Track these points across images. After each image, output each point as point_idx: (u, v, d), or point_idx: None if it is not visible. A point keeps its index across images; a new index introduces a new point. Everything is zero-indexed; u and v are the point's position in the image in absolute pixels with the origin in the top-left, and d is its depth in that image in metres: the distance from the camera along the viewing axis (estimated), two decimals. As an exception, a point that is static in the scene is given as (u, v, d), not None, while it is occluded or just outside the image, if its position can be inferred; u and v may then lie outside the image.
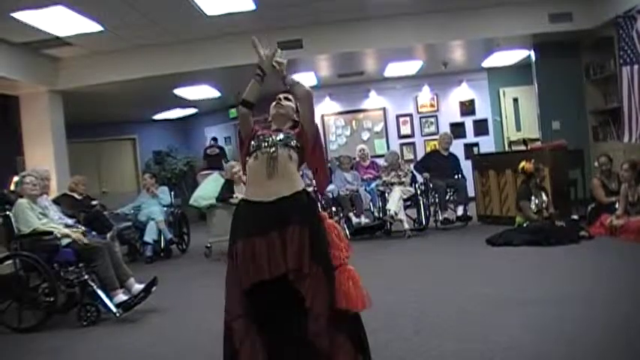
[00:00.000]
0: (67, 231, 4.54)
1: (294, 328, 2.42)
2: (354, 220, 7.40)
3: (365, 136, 10.80)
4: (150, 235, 7.25)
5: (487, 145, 10.57)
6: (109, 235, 5.79)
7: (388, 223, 7.38)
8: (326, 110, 10.83)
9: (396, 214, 7.09)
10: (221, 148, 11.41)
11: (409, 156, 10.54)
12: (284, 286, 2.40)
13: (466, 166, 8.23)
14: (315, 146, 2.72)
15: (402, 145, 10.69)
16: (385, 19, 7.38)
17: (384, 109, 10.86)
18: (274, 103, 2.82)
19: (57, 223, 4.67)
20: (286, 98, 2.85)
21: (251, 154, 2.62)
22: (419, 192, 7.48)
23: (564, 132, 7.91)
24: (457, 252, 6.05)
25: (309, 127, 2.67)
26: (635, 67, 6.49)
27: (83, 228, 4.91)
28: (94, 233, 5.16)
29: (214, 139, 11.86)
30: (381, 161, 8.32)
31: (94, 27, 6.34)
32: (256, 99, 2.73)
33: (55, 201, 5.66)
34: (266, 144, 2.59)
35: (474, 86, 10.77)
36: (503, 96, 10.74)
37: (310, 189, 7.84)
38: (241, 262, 2.42)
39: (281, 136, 2.64)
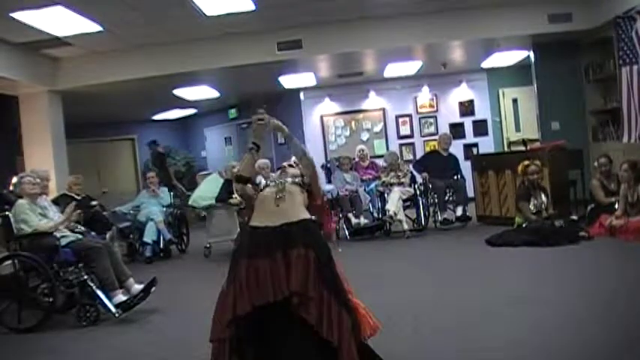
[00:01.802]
0: (65, 230, 4.55)
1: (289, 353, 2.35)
2: (354, 220, 7.40)
3: (364, 136, 10.80)
4: (149, 236, 7.24)
5: (486, 145, 10.56)
6: (108, 235, 5.79)
7: (387, 224, 7.38)
8: (325, 111, 10.83)
9: (395, 214, 7.09)
10: (162, 154, 11.15)
11: (408, 156, 10.53)
12: (285, 311, 2.33)
13: (465, 166, 8.23)
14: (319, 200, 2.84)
15: (401, 145, 10.68)
16: (385, 20, 7.38)
17: (383, 109, 10.85)
18: (279, 172, 2.93)
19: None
20: (290, 166, 2.94)
21: (261, 190, 2.70)
22: (418, 192, 7.48)
23: (564, 132, 7.91)
24: (456, 252, 6.06)
25: (316, 190, 2.80)
26: (635, 67, 6.49)
27: (83, 228, 4.91)
28: (93, 233, 5.16)
29: (154, 142, 11.53)
30: (380, 162, 8.32)
31: (93, 27, 6.33)
32: (251, 173, 2.78)
33: (55, 201, 5.66)
34: (273, 183, 2.70)
35: (473, 87, 10.77)
36: (502, 96, 10.74)
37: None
38: (244, 283, 2.35)
39: (289, 178, 2.75)
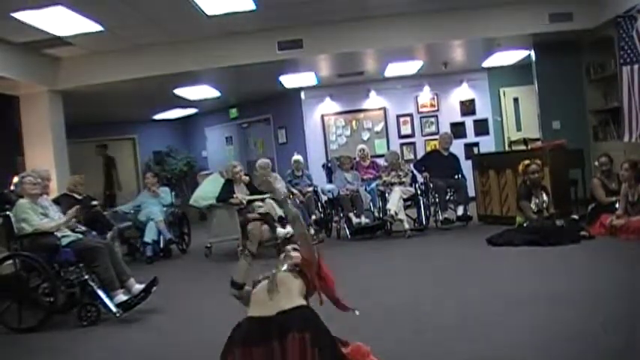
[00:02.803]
0: (61, 221, 4.56)
1: None
2: (354, 220, 7.40)
3: (365, 136, 10.79)
4: (149, 235, 7.24)
5: (487, 144, 10.56)
6: (109, 235, 5.79)
7: (388, 223, 7.38)
8: (326, 110, 10.82)
9: (396, 214, 7.09)
10: (111, 158, 11.05)
11: (409, 156, 10.53)
12: None
13: (466, 165, 8.22)
14: (319, 277, 2.75)
15: (402, 145, 10.67)
16: (385, 19, 7.37)
17: (384, 109, 10.85)
18: (283, 255, 2.87)
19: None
20: (294, 249, 2.87)
21: (254, 285, 2.69)
22: (419, 192, 7.47)
23: (564, 132, 7.90)
24: (457, 252, 6.05)
25: (308, 266, 2.70)
26: (636, 66, 6.48)
27: (84, 228, 4.91)
28: (94, 233, 5.16)
29: (104, 146, 11.44)
30: (381, 161, 8.32)
31: (93, 27, 6.33)
32: (245, 279, 2.76)
33: (55, 201, 5.66)
34: (268, 275, 2.66)
35: (474, 86, 10.77)
36: (503, 96, 10.73)
37: (310, 189, 7.94)
38: None
39: (285, 266, 2.73)
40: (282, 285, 2.52)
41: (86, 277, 4.39)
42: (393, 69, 9.54)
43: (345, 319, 2.84)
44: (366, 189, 7.73)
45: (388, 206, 7.17)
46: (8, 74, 6.64)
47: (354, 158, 8.25)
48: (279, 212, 6.75)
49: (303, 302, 2.51)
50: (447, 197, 7.68)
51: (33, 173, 4.83)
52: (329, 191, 7.84)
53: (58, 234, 4.49)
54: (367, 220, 7.47)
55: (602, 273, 4.51)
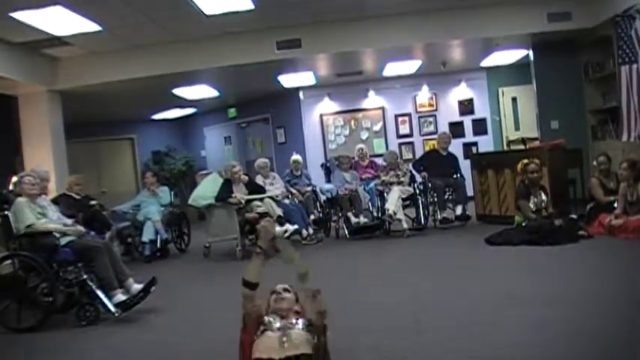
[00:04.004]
0: (65, 228, 4.55)
1: None
2: (353, 219, 7.41)
3: (364, 135, 10.80)
4: (147, 235, 7.24)
5: (486, 144, 10.56)
6: (107, 235, 5.79)
7: (387, 223, 7.37)
8: (325, 110, 10.83)
9: (394, 213, 7.09)
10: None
11: (408, 155, 10.54)
12: None
13: (465, 165, 8.23)
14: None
15: (400, 144, 10.68)
16: (384, 19, 7.38)
17: (382, 108, 10.85)
18: (274, 297, 2.63)
19: (56, 223, 4.66)
20: (285, 290, 2.67)
21: (261, 332, 2.46)
22: (418, 191, 7.47)
23: (563, 131, 7.91)
24: (456, 252, 6.06)
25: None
26: (634, 66, 6.49)
27: (82, 228, 4.90)
28: (92, 233, 5.16)
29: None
30: (379, 161, 8.32)
31: (92, 27, 6.33)
32: (259, 278, 2.58)
33: (54, 201, 5.65)
34: (277, 325, 2.46)
35: (472, 85, 10.78)
36: (502, 95, 10.74)
37: (309, 188, 7.95)
38: None
39: (292, 320, 2.49)
40: (295, 337, 2.38)
41: (85, 276, 4.38)
42: (392, 68, 9.54)
43: (344, 319, 2.84)
44: (364, 188, 7.74)
45: (387, 206, 7.17)
46: (7, 74, 6.64)
47: (353, 158, 8.25)
48: (278, 212, 6.76)
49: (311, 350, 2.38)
50: (446, 197, 7.68)
51: (32, 173, 4.83)
52: (328, 191, 7.84)
53: (57, 234, 4.48)
54: (366, 220, 7.47)
55: (600, 272, 4.51)
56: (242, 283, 2.57)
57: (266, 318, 2.51)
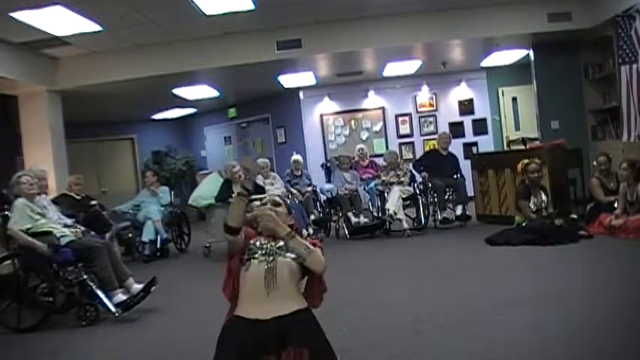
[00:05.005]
0: (65, 230, 4.55)
1: None
2: (353, 219, 7.41)
3: (364, 135, 10.79)
4: (147, 235, 7.25)
5: (486, 144, 10.56)
6: (107, 235, 5.79)
7: (387, 223, 7.38)
8: (325, 110, 10.82)
9: (395, 213, 7.09)
10: None
11: (408, 155, 10.53)
12: None
13: (465, 165, 8.23)
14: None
15: (401, 144, 10.68)
16: (384, 19, 7.37)
17: (383, 108, 10.85)
18: (259, 203, 2.47)
19: (56, 223, 4.67)
20: (275, 203, 2.54)
21: (245, 262, 2.34)
22: (418, 191, 7.48)
23: (563, 131, 7.91)
24: (456, 251, 6.06)
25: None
26: (634, 66, 6.48)
27: (82, 228, 4.91)
28: (93, 233, 5.15)
29: None
30: (380, 161, 8.32)
31: (92, 27, 6.33)
32: (241, 222, 2.39)
33: (55, 201, 5.66)
34: (262, 251, 2.33)
35: (472, 86, 10.77)
36: (502, 95, 10.74)
37: (309, 188, 7.95)
38: None
39: (280, 243, 2.36)
40: (280, 280, 2.26)
41: (85, 276, 4.38)
42: (392, 68, 9.54)
43: (344, 319, 2.84)
44: (365, 188, 7.74)
45: (387, 206, 7.17)
46: (7, 74, 6.64)
47: (353, 158, 8.25)
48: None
49: (303, 303, 2.31)
50: (446, 197, 7.69)
51: (29, 172, 4.82)
52: (328, 191, 7.85)
53: (57, 234, 4.48)
54: (366, 220, 7.48)
55: (600, 272, 4.52)
56: (224, 229, 2.39)
57: (251, 242, 2.38)
